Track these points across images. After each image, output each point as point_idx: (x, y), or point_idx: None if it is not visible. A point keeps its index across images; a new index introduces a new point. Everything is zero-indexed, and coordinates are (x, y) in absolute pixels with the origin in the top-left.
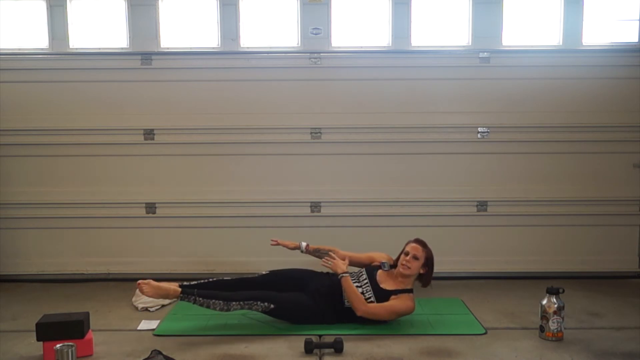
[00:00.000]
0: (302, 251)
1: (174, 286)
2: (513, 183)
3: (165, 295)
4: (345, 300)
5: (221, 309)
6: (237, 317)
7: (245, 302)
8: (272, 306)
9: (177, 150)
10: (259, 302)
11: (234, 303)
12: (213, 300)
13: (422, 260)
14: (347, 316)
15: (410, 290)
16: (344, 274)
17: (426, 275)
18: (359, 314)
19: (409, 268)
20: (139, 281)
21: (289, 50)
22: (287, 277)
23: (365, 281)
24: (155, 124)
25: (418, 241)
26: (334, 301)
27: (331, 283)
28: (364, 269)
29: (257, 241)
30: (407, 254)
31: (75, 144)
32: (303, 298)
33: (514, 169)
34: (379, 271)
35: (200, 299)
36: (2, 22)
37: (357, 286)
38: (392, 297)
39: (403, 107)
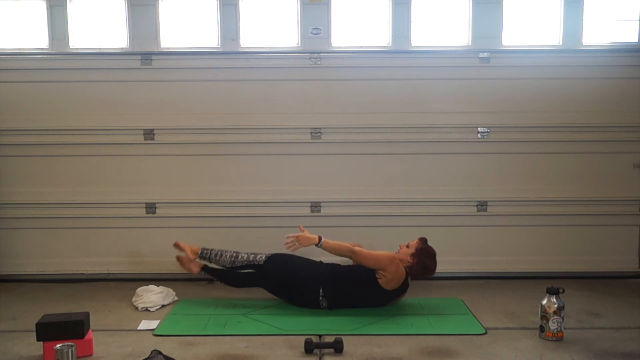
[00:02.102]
0: (318, 245)
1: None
2: (513, 183)
3: (189, 250)
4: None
5: (231, 256)
6: (237, 317)
7: (251, 253)
8: (272, 253)
9: (177, 150)
10: (262, 253)
11: (242, 253)
12: (226, 250)
13: (411, 250)
14: (343, 281)
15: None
16: (320, 241)
17: (414, 268)
18: (353, 257)
19: (398, 252)
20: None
21: (289, 50)
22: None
23: None
24: (155, 124)
25: (420, 237)
26: (332, 267)
27: (334, 269)
28: None
29: (257, 241)
30: None
31: (75, 144)
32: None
33: (514, 169)
34: None
35: (216, 249)
36: (2, 22)
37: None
38: None
39: (403, 107)
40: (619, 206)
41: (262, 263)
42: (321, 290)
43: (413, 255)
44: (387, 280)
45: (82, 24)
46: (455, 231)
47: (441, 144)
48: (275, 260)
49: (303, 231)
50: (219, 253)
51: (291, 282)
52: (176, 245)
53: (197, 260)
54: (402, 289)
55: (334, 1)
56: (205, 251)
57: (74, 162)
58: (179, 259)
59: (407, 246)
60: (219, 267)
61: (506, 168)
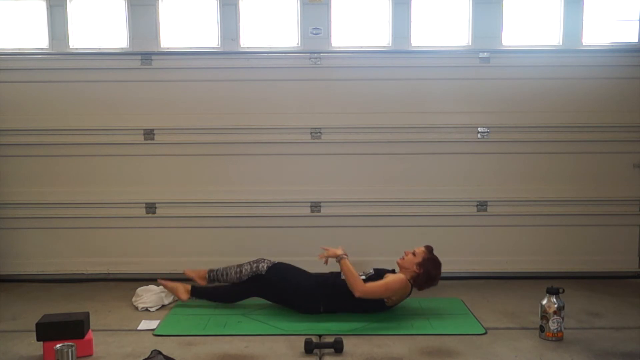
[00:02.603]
0: (337, 259)
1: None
2: (513, 183)
3: (196, 276)
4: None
5: (235, 272)
6: (237, 317)
7: (254, 261)
8: (276, 261)
9: (177, 150)
10: (265, 260)
11: (245, 264)
12: (229, 267)
13: (418, 259)
14: (344, 294)
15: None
16: (342, 256)
17: (420, 277)
18: (357, 294)
19: (403, 259)
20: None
21: (289, 50)
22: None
23: (370, 269)
24: (155, 124)
25: (426, 245)
26: (333, 280)
27: (335, 283)
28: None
29: (257, 241)
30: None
31: (75, 144)
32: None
33: (514, 169)
34: None
35: (221, 268)
36: (2, 22)
37: (359, 273)
38: (387, 273)
39: (403, 107)
40: (619, 206)
41: (263, 273)
42: (322, 306)
43: (419, 264)
44: (395, 301)
45: (82, 24)
46: (455, 231)
47: (441, 144)
48: (276, 270)
49: (339, 248)
50: (224, 272)
51: (292, 296)
52: (185, 274)
53: (207, 284)
54: (405, 298)
55: (334, 1)
56: (212, 273)
57: (74, 162)
58: (164, 285)
59: (414, 254)
60: (210, 286)
61: (506, 168)
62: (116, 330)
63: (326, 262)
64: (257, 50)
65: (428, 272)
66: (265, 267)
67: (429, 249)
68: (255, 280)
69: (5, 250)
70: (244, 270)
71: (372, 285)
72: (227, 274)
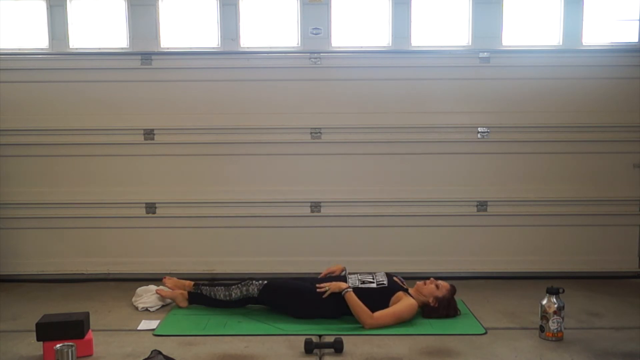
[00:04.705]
0: (342, 293)
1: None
2: (513, 183)
3: (181, 286)
4: (349, 280)
5: (224, 294)
6: (237, 317)
7: (243, 284)
8: (265, 282)
9: (177, 150)
10: (254, 281)
11: (233, 287)
12: (217, 287)
13: (439, 293)
14: (344, 300)
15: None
16: (347, 289)
17: (430, 309)
18: (366, 327)
19: (424, 286)
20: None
21: (289, 50)
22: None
23: (382, 273)
24: (155, 124)
25: (452, 285)
26: (339, 304)
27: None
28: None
29: (257, 241)
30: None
31: (75, 144)
32: (299, 283)
33: (514, 169)
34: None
35: (207, 287)
36: (2, 22)
37: (369, 278)
38: (400, 292)
39: (403, 107)
40: (619, 206)
41: (256, 296)
42: (324, 314)
43: (437, 299)
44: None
45: (82, 24)
46: (455, 231)
47: (441, 144)
48: (269, 292)
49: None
50: (211, 292)
51: (292, 312)
52: (163, 282)
53: (187, 305)
54: None
55: (334, 1)
56: (197, 289)
57: (74, 162)
58: (163, 295)
59: (437, 286)
60: (207, 295)
61: (506, 168)
62: (116, 330)
63: (326, 296)
64: (257, 50)
65: (441, 310)
66: (256, 290)
67: (453, 291)
68: (248, 301)
69: (5, 250)
70: (233, 295)
71: (381, 317)
72: (214, 295)
